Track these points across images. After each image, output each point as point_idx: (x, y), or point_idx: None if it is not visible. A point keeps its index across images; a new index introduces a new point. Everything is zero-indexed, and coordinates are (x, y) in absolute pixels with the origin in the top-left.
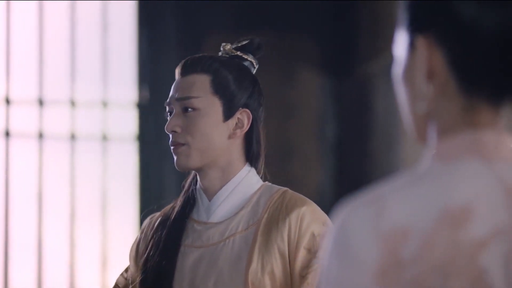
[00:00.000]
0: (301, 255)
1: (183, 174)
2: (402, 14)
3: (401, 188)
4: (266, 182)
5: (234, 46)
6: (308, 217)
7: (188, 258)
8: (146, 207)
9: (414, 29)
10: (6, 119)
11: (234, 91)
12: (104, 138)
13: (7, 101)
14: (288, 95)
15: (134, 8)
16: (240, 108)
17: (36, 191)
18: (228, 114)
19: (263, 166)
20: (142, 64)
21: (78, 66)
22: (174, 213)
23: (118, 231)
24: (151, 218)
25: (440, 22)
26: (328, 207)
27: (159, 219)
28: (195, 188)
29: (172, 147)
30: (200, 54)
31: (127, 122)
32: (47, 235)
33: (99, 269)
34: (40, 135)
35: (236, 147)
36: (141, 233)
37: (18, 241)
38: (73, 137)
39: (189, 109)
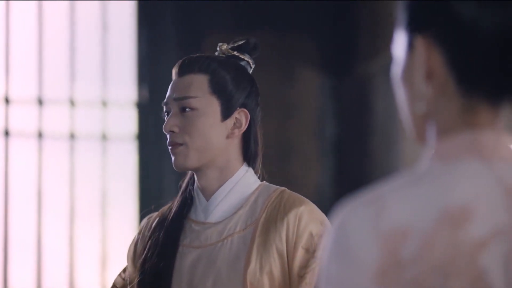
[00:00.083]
0: (299, 255)
1: (183, 174)
2: (401, 14)
3: (400, 188)
4: (264, 181)
5: (230, 46)
6: (306, 216)
7: (186, 258)
8: (146, 206)
9: (413, 29)
10: (5, 118)
11: (232, 91)
12: (104, 137)
13: (7, 100)
14: (287, 95)
15: (134, 8)
16: (238, 108)
17: (35, 191)
18: (226, 114)
19: (260, 166)
20: (142, 63)
21: (78, 66)
22: (172, 213)
23: (117, 230)
24: (148, 219)
25: (439, 22)
26: (327, 206)
27: (157, 219)
28: (193, 188)
29: (170, 147)
30: (197, 54)
31: (126, 121)
32: (46, 234)
33: (99, 268)
34: (40, 135)
35: (234, 147)
36: (139, 233)
37: (17, 240)
38: (72, 136)
39: (187, 109)
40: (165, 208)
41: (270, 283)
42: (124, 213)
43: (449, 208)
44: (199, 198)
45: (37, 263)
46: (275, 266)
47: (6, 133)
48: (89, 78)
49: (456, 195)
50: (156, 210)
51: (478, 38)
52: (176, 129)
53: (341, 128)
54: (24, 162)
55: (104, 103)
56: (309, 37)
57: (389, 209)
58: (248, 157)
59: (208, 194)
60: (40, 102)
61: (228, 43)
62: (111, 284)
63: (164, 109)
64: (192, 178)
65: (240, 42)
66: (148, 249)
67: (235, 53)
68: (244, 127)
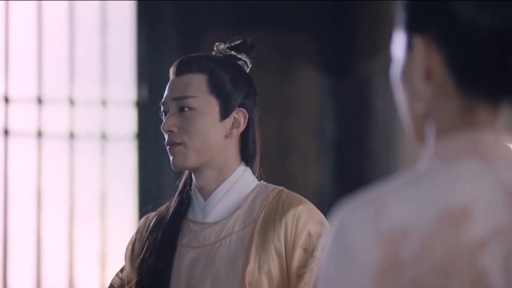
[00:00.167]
0: (298, 254)
1: (182, 173)
2: (400, 14)
3: (400, 188)
4: (262, 181)
5: (227, 45)
6: (305, 216)
7: (185, 258)
8: (145, 205)
9: (412, 29)
10: (5, 117)
11: (230, 90)
12: (103, 136)
13: (6, 100)
14: (287, 95)
15: (133, 8)
16: (236, 108)
17: (35, 190)
18: (224, 113)
19: (258, 165)
20: (141, 63)
21: (77, 65)
22: (170, 213)
23: (117, 229)
24: (146, 218)
25: (438, 22)
26: (327, 206)
27: (154, 219)
28: (190, 188)
29: (168, 147)
30: (195, 54)
31: (126, 120)
32: (46, 233)
33: (98, 268)
34: (39, 134)
35: (232, 147)
36: (136, 233)
37: (17, 239)
38: (72, 135)
39: (186, 108)
40: (163, 208)
41: (269, 283)
42: (124, 212)
43: (449, 208)
44: (197, 198)
45: (36, 262)
46: (274, 266)
47: (6, 132)
48: (89, 77)
49: (456, 195)
50: (153, 210)
51: (477, 38)
52: (174, 129)
53: (341, 128)
54: (23, 162)
55: (104, 103)
56: (309, 36)
57: (389, 209)
58: (246, 157)
59: (206, 194)
60: (40, 101)
61: (225, 43)
62: (108, 284)
63: (162, 109)
64: (189, 178)
65: (237, 42)
66: (146, 249)
67: (232, 52)
68: (242, 127)
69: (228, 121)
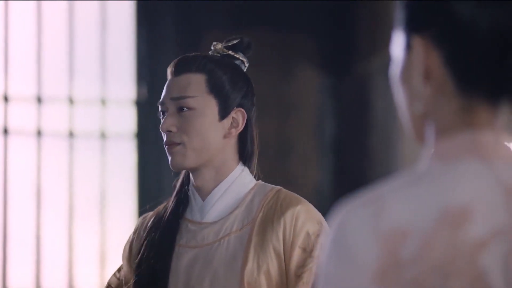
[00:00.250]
0: (296, 254)
1: (180, 173)
2: (399, 14)
3: (400, 188)
4: (259, 181)
5: (224, 45)
6: (303, 216)
7: (183, 258)
8: (145, 204)
9: (411, 29)
10: (4, 116)
11: (229, 91)
12: (103, 135)
13: (6, 99)
14: (287, 94)
15: (133, 7)
16: (235, 108)
17: (34, 189)
18: (223, 113)
19: (256, 165)
20: (141, 62)
21: (77, 64)
22: (168, 213)
23: (116, 228)
24: (143, 218)
25: (436, 22)
26: (327, 206)
27: (152, 219)
28: (188, 188)
29: (166, 147)
30: (193, 54)
31: (125, 119)
32: (45, 232)
33: (98, 266)
34: (39, 133)
35: (231, 147)
36: (134, 233)
37: (16, 238)
38: (71, 134)
39: (185, 108)
40: (160, 207)
41: (268, 283)
42: (123, 211)
43: (449, 208)
44: (195, 198)
45: (36, 261)
46: (272, 265)
47: (5, 131)
48: (88, 76)
49: (456, 195)
50: (151, 209)
51: (476, 38)
52: (173, 129)
53: (341, 128)
54: (23, 160)
55: (103, 101)
56: (309, 36)
57: (389, 209)
58: (244, 157)
59: (204, 194)
60: (39, 100)
61: (222, 42)
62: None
63: (160, 109)
64: (187, 177)
65: (234, 41)
66: (144, 249)
67: (230, 52)
68: (241, 126)
69: (227, 121)
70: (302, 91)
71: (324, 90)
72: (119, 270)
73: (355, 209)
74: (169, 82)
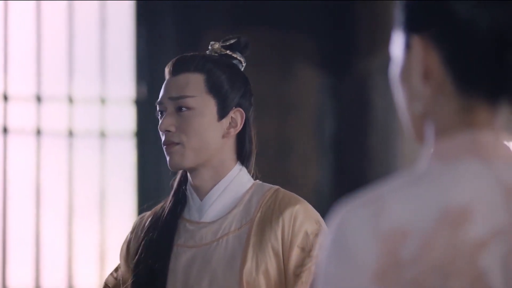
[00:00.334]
0: (295, 254)
1: (177, 172)
2: (398, 14)
3: (400, 188)
4: (257, 180)
5: (222, 44)
6: (301, 215)
7: (181, 258)
8: (144, 203)
9: (410, 29)
10: (4, 115)
11: (227, 90)
12: (102, 134)
13: (5, 98)
14: (287, 94)
15: (132, 6)
16: (234, 108)
17: (34, 188)
18: (222, 113)
19: (253, 165)
20: (140, 61)
21: (76, 63)
22: (165, 213)
23: (116, 227)
24: (141, 218)
25: (436, 22)
26: (326, 205)
27: (150, 219)
28: (185, 187)
29: (165, 147)
30: (191, 53)
31: (125, 118)
32: (45, 231)
33: (97, 266)
34: (38, 132)
35: (229, 147)
36: (131, 232)
37: (16, 237)
38: (71, 133)
39: (183, 108)
40: (158, 207)
41: (266, 282)
42: (123, 211)
43: (449, 208)
44: (193, 198)
45: (35, 260)
46: (271, 265)
47: (5, 130)
48: (88, 75)
49: (455, 195)
50: (148, 209)
51: (475, 38)
52: (172, 129)
53: (341, 127)
54: (22, 160)
55: (103, 100)
56: (309, 36)
57: (389, 209)
58: (242, 157)
59: (202, 194)
60: (39, 99)
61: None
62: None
63: (158, 108)
64: (184, 177)
65: (232, 41)
66: (142, 249)
67: (227, 52)
68: (239, 126)
69: (226, 121)
70: (302, 91)
71: (324, 90)
72: (116, 270)
73: (355, 209)
74: (167, 82)
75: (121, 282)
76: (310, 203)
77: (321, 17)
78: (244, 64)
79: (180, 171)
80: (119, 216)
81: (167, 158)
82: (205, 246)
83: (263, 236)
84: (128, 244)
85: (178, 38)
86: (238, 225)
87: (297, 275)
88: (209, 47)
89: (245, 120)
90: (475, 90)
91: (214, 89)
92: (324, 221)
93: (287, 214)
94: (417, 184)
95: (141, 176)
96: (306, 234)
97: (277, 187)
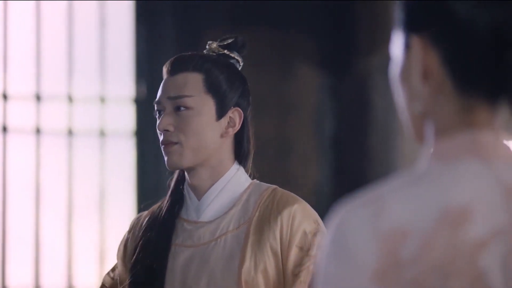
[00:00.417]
0: (294, 253)
1: (176, 171)
2: (397, 13)
3: (400, 188)
4: (255, 180)
5: (219, 44)
6: (300, 215)
7: (179, 257)
8: (144, 202)
9: (410, 29)
10: (3, 114)
11: (226, 90)
12: (102, 133)
13: (5, 97)
14: (286, 93)
15: (132, 7)
16: (232, 107)
17: (33, 187)
18: (220, 113)
19: (251, 164)
20: (140, 60)
21: (76, 62)
22: (163, 213)
23: (115, 226)
24: (138, 218)
25: (435, 22)
26: (326, 205)
27: (147, 218)
28: (183, 187)
29: (163, 146)
30: (189, 53)
31: (124, 117)
32: (44, 230)
33: (97, 264)
34: (38, 131)
35: (227, 146)
36: (129, 232)
37: (15, 236)
38: (70, 132)
39: (182, 108)
40: (155, 207)
41: (265, 282)
42: (122, 209)
43: (449, 208)
44: (190, 197)
45: (35, 259)
46: (270, 264)
47: (4, 129)
48: (87, 74)
49: (455, 195)
50: (145, 209)
51: (475, 38)
52: (171, 128)
53: (340, 127)
54: (22, 159)
55: (102, 99)
56: (309, 36)
57: (389, 209)
58: (240, 156)
59: (200, 193)
60: (38, 98)
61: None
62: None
63: (156, 108)
64: (181, 176)
65: (229, 41)
66: (140, 249)
67: (225, 51)
68: (238, 126)
69: (224, 121)
70: (302, 91)
71: (324, 89)
72: (113, 269)
73: (355, 209)
74: (165, 81)
75: (118, 282)
76: (310, 203)
77: (321, 17)
78: (241, 64)
79: (177, 171)
80: (118, 215)
81: (165, 158)
82: (203, 246)
83: (261, 235)
84: (126, 244)
85: (178, 38)
86: (236, 225)
87: (296, 275)
88: (207, 47)
89: (243, 119)
90: (474, 90)
91: (212, 88)
92: (324, 221)
93: (285, 214)
94: (417, 184)
95: (140, 175)
96: (305, 233)
97: (274, 186)
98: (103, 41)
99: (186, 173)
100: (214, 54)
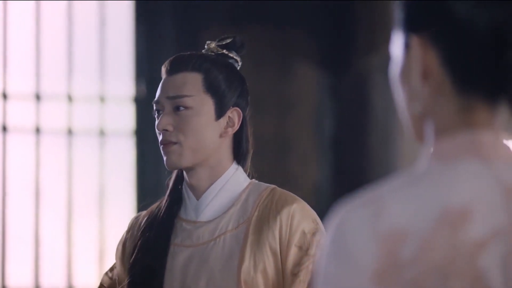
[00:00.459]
0: (293, 253)
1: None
2: (397, 13)
3: (399, 188)
4: (253, 179)
5: (217, 43)
6: (299, 214)
7: (178, 257)
8: (143, 202)
9: (409, 29)
10: (3, 114)
11: (225, 90)
12: (101, 133)
13: (5, 96)
14: (286, 92)
15: (132, 5)
16: (231, 107)
17: (33, 186)
18: (219, 113)
19: (249, 164)
20: (139, 59)
21: (76, 61)
22: (162, 213)
23: (115, 225)
24: (136, 218)
25: (434, 22)
26: (325, 205)
27: (146, 218)
28: (181, 186)
29: (162, 146)
30: (188, 53)
31: (124, 116)
32: (44, 229)
33: (96, 264)
34: (37, 130)
35: (226, 146)
36: (127, 232)
37: (15, 235)
38: (70, 132)
39: (181, 107)
40: (154, 207)
41: (264, 281)
42: (122, 209)
43: (449, 208)
44: (189, 197)
45: (35, 258)
46: (269, 264)
47: (4, 129)
48: (87, 73)
49: (455, 195)
50: (144, 209)
51: (474, 38)
52: (170, 128)
53: (340, 126)
54: (21, 158)
55: (102, 99)
56: (308, 35)
57: (388, 210)
58: (239, 156)
59: (199, 193)
60: (38, 97)
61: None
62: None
63: (155, 108)
64: (180, 176)
65: (228, 40)
66: (139, 249)
67: (223, 51)
68: (237, 126)
69: (223, 121)
70: (302, 90)
71: (324, 89)
72: (111, 269)
73: (354, 209)
74: (164, 81)
75: (117, 281)
76: (310, 203)
77: (321, 16)
78: (240, 64)
79: (176, 170)
80: (118, 215)
81: (164, 158)
82: (202, 246)
83: (260, 235)
84: (124, 244)
85: (178, 38)
86: (235, 224)
87: (295, 274)
88: (205, 47)
89: (242, 119)
90: (474, 90)
91: (211, 88)
92: (324, 221)
93: (284, 213)
94: (417, 184)
95: (140, 174)
96: (304, 233)
97: (273, 186)
98: (103, 40)
99: (184, 173)
100: (213, 53)
